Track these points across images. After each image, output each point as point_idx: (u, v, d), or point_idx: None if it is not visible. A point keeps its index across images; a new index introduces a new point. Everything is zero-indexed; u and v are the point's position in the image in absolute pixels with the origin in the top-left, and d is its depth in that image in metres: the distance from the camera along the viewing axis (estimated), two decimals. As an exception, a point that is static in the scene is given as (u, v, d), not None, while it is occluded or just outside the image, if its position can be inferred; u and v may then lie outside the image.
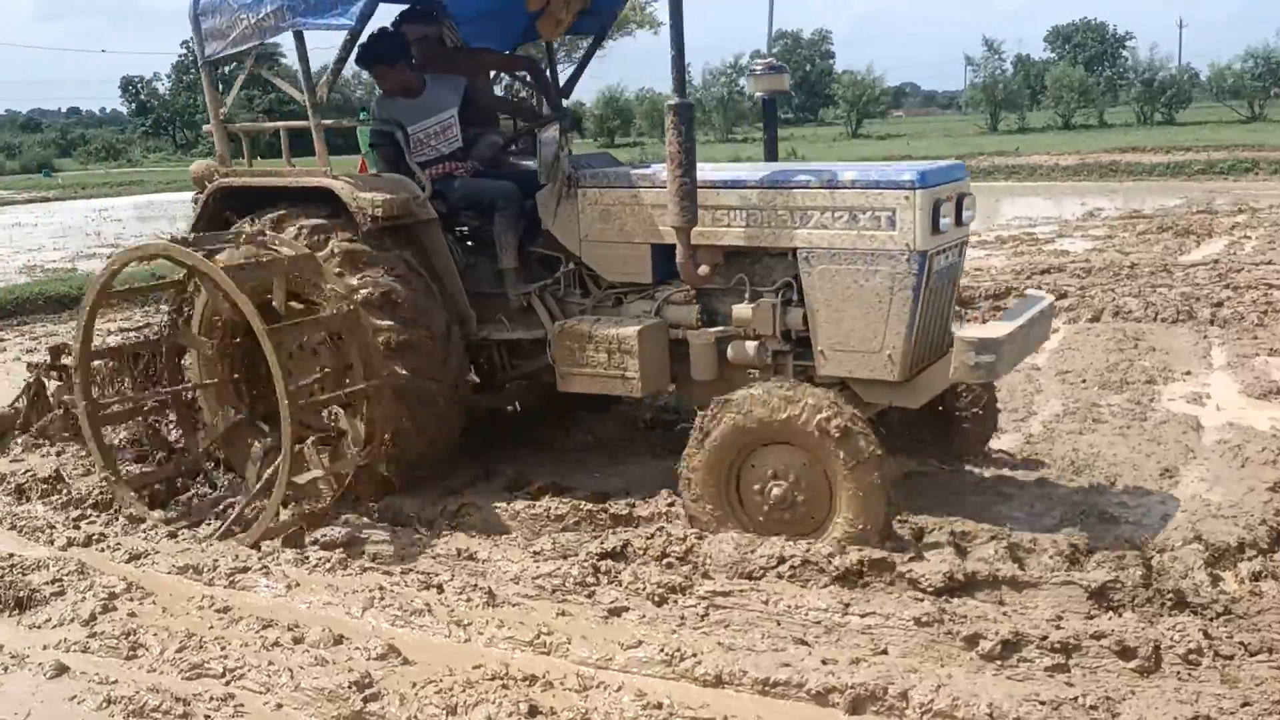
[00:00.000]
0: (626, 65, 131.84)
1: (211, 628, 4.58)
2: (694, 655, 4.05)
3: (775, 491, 4.89)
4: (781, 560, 4.64)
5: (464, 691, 3.89)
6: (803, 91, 76.21)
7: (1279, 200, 20.87)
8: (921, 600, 4.33)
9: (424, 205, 5.86)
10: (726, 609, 4.43)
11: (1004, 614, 4.21)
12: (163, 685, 4.11)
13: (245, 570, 5.08)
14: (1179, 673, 3.79)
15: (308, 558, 5.18)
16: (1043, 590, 4.36)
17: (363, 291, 5.51)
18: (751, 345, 5.33)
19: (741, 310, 5.34)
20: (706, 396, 5.16)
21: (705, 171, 5.27)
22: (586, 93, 72.91)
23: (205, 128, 6.41)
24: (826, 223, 5.06)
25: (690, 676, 3.99)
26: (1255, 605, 4.23)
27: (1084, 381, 8.21)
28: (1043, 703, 3.56)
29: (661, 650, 4.10)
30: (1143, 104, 57.77)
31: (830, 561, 4.58)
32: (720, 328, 5.47)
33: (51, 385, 7.15)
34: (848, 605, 4.32)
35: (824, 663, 3.94)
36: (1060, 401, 7.75)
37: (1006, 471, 6.08)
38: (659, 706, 3.77)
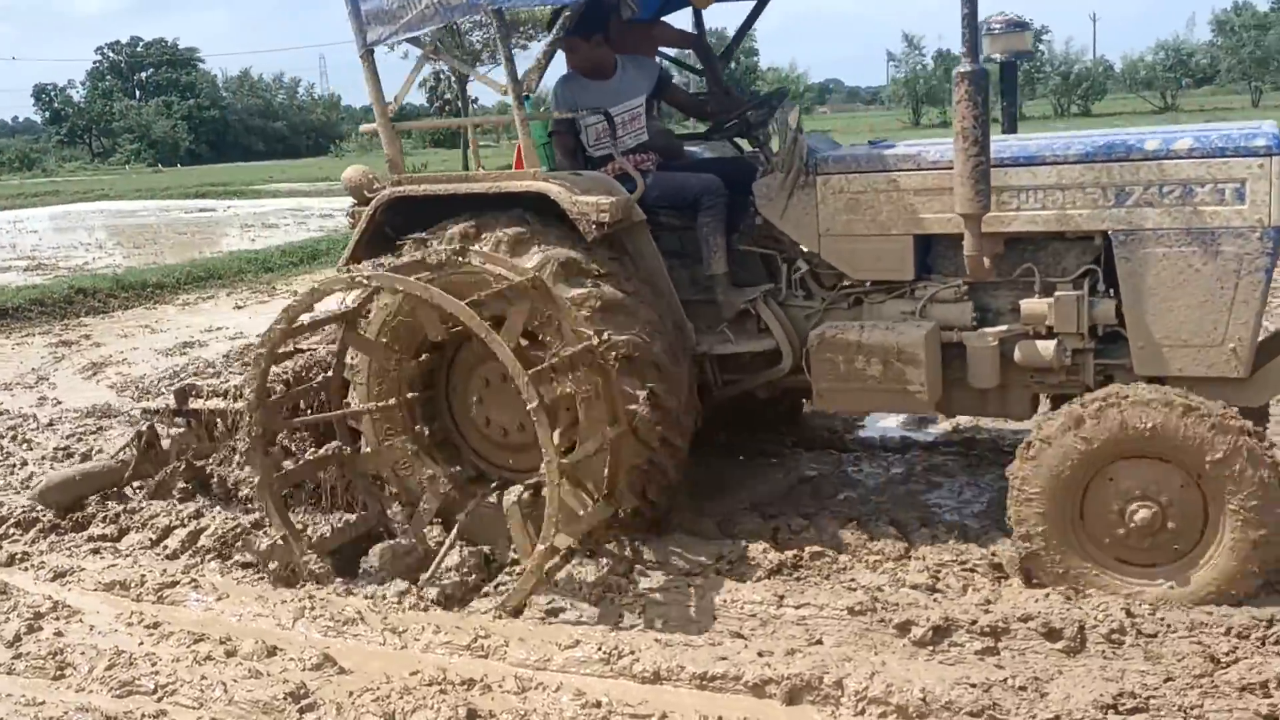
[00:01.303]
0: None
1: (141, 644, 4.50)
2: (632, 653, 4.06)
3: (1141, 515, 4.15)
4: (719, 557, 4.70)
5: (402, 698, 3.87)
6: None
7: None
8: (855, 590, 4.40)
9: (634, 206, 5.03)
10: (664, 605, 4.45)
11: (935, 600, 4.28)
12: (92, 704, 4.03)
13: (174, 584, 5.00)
14: (1104, 651, 3.88)
15: (232, 569, 5.11)
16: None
17: (592, 302, 4.69)
18: (1047, 345, 4.60)
19: (1034, 305, 4.65)
20: (976, 406, 4.84)
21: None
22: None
23: (366, 126, 5.55)
24: (1151, 199, 4.39)
25: (629, 674, 4.00)
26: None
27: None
28: (973, 685, 3.62)
29: (599, 649, 4.11)
30: (1060, 96, 59.22)
31: (765, 555, 4.64)
32: (1002, 327, 4.79)
33: (165, 433, 6.18)
34: (782, 597, 4.37)
35: (760, 655, 3.98)
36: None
37: None
38: (598, 705, 3.78)
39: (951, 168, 4.38)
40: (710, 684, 3.88)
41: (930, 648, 4.02)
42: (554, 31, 4.95)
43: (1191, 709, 3.41)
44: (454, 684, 3.96)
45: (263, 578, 4.97)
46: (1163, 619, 3.98)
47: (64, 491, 5.93)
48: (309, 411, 5.54)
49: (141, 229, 25.71)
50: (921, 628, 4.06)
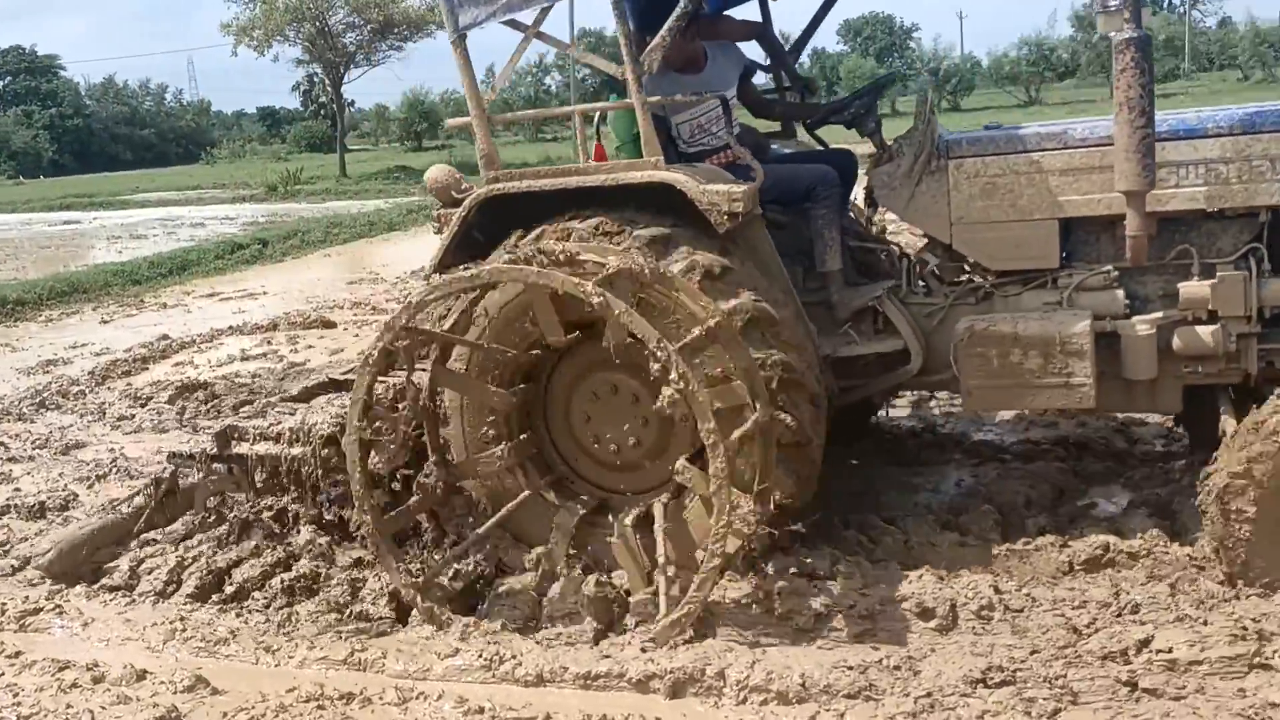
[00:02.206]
0: (430, 66, 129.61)
1: (2, 674, 4.30)
2: (514, 657, 4.03)
3: None
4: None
5: (278, 716, 3.78)
6: (610, 88, 76.74)
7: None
8: (738, 581, 4.44)
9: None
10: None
11: (815, 588, 4.35)
12: (-54, 743, 3.84)
13: (36, 612, 4.79)
14: (974, 628, 4.00)
15: (99, 593, 4.93)
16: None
17: (741, 315, 4.26)
18: (1209, 330, 4.34)
19: (1194, 289, 4.38)
20: (1123, 401, 4.57)
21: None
22: (391, 96, 71.69)
23: (453, 121, 5.29)
24: None
25: (511, 678, 3.97)
26: (1044, 558, 4.49)
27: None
28: (850, 667, 3.70)
29: (480, 656, 4.07)
30: (931, 92, 60.68)
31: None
32: (1157, 314, 4.50)
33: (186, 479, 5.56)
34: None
35: (643, 650, 3.99)
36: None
37: None
38: (480, 711, 3.75)
39: (1100, 145, 4.32)
40: (594, 683, 3.87)
41: (811, 634, 4.09)
42: (674, 15, 4.51)
43: (1056, 679, 3.53)
44: (332, 699, 3.88)
45: (133, 601, 4.80)
46: (1029, 594, 4.12)
47: (74, 556, 5.21)
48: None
49: (2, 244, 24.60)
50: (804, 616, 4.12)
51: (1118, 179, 4.10)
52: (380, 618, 4.50)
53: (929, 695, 3.54)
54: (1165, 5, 67.15)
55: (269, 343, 10.76)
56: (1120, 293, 4.55)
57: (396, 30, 40.14)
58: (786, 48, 6.02)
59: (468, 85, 4.76)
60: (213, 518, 5.37)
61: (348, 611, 4.57)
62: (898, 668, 3.69)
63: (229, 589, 4.80)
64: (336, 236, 20.51)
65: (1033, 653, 3.73)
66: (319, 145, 56.66)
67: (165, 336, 11.39)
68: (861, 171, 5.28)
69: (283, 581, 4.76)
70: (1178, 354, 4.43)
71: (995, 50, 67.50)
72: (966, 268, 4.87)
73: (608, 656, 3.97)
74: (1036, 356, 4.42)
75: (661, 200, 4.49)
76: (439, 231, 4.95)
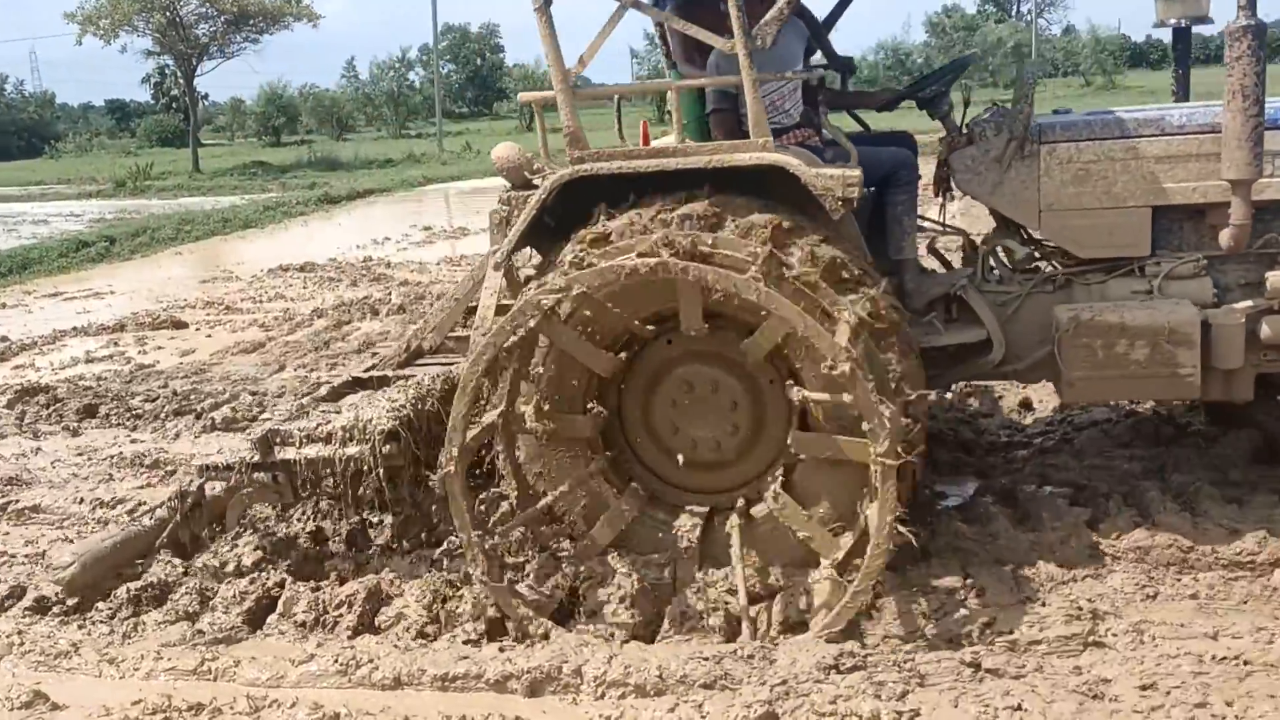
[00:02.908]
0: (287, 59, 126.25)
1: None
2: (370, 661, 3.97)
3: None
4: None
5: (121, 730, 3.63)
6: (475, 85, 76.04)
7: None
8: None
9: None
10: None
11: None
12: None
13: None
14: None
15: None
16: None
17: (860, 306, 4.03)
18: None
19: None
20: (1205, 390, 4.43)
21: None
22: (247, 90, 69.58)
23: (527, 95, 4.85)
24: None
25: (368, 683, 3.90)
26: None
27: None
28: (706, 659, 3.75)
29: (336, 661, 3.99)
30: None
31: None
32: (1247, 303, 4.46)
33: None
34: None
35: (501, 650, 3.97)
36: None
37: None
38: (336, 716, 3.68)
39: (1198, 133, 4.34)
40: (452, 684, 3.84)
41: (673, 628, 4.13)
42: None
43: (904, 663, 3.65)
44: (180, 710, 3.76)
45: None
46: (880, 581, 4.23)
47: (97, 571, 4.80)
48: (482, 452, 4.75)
49: None
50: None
51: (1226, 167, 4.17)
52: (233, 626, 4.37)
53: (784, 683, 3.61)
54: (1014, 13, 69.85)
55: (115, 344, 10.33)
56: (1209, 282, 4.55)
57: (252, 22, 38.96)
58: None
59: (553, 57, 4.42)
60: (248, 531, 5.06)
61: (198, 620, 4.43)
62: (752, 657, 3.75)
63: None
64: (189, 234, 19.78)
65: (884, 638, 3.84)
66: (171, 140, 54.58)
67: (4, 338, 10.83)
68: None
69: (129, 591, 4.58)
70: (1264, 342, 4.44)
71: (854, 54, 69.16)
72: (1037, 255, 4.86)
73: (465, 658, 3.94)
74: (1144, 346, 4.38)
75: (752, 183, 4.29)
76: (506, 215, 4.66)
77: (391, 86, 63.50)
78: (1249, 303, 4.45)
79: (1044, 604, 4.03)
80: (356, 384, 5.48)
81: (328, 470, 4.72)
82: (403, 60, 66.46)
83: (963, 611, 4.02)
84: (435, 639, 4.20)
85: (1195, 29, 5.70)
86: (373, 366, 5.86)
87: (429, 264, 14.60)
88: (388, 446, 4.62)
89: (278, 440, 4.83)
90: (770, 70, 4.58)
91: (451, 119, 60.67)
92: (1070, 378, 4.49)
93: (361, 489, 4.68)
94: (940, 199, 5.11)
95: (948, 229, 5.10)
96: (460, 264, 14.60)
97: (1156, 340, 4.36)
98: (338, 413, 4.96)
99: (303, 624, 4.36)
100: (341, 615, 4.37)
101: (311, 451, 4.77)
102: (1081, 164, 4.58)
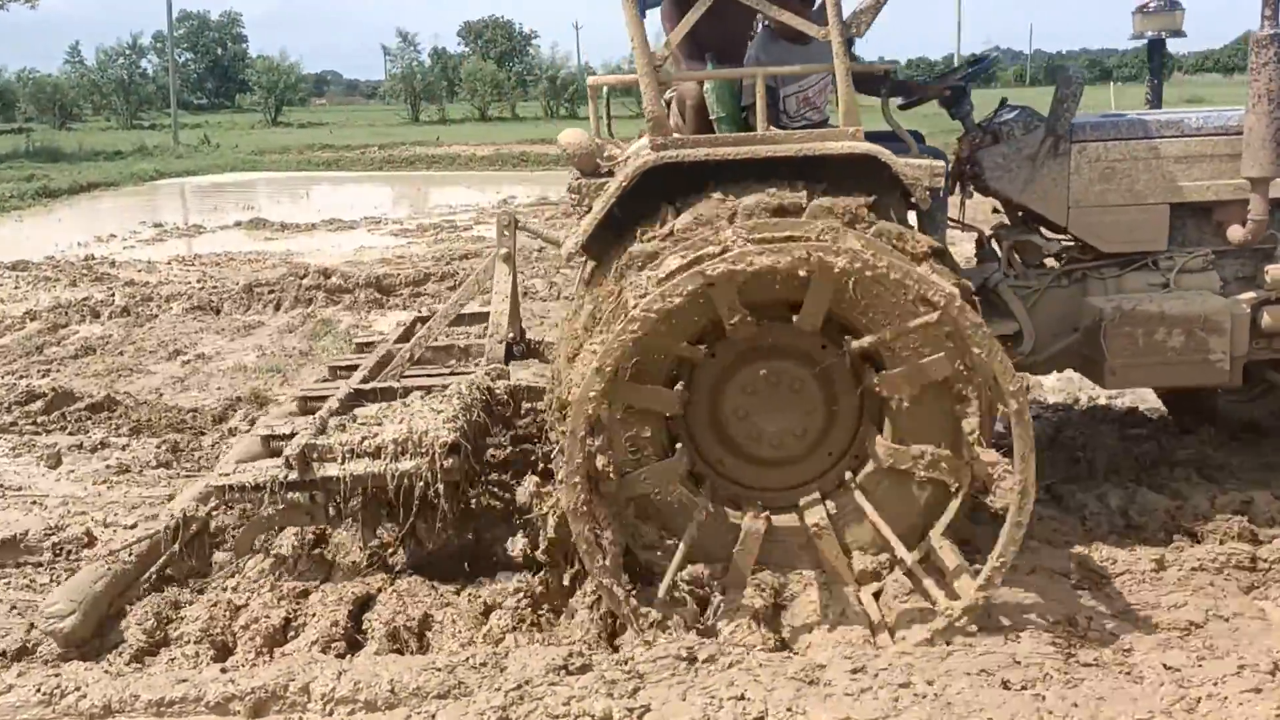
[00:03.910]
0: (2, 42, 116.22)
1: None
2: (77, 689, 3.70)
3: None
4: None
5: None
6: (215, 76, 72.41)
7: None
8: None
9: None
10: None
11: (397, 595, 4.33)
12: None
13: None
14: (553, 622, 4.22)
15: None
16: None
17: (964, 297, 3.97)
18: None
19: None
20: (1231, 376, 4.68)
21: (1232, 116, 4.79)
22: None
23: (598, 79, 4.76)
24: None
25: (75, 712, 3.64)
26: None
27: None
28: (439, 669, 3.71)
29: (39, 690, 3.70)
30: (549, 99, 62.20)
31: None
32: (1250, 294, 4.82)
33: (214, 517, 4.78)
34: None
35: (224, 671, 3.80)
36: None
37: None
38: (35, 753, 3.41)
39: (1215, 134, 4.69)
40: (169, 709, 3.64)
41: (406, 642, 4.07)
42: None
43: (625, 662, 3.73)
44: None
45: None
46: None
47: (95, 614, 4.26)
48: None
49: None
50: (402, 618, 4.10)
51: (1247, 165, 4.48)
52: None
53: (518, 688, 3.62)
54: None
55: None
56: (1215, 274, 4.88)
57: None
58: None
59: (638, 42, 4.34)
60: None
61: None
62: (484, 664, 3.74)
63: None
64: (-118, 227, 17.91)
65: (608, 637, 3.93)
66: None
67: None
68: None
69: None
70: (1264, 331, 4.81)
71: (611, 61, 70.20)
72: (1051, 251, 5.05)
73: (184, 681, 3.73)
74: (1180, 334, 4.65)
75: (821, 171, 4.28)
76: (578, 203, 4.47)
77: (121, 74, 59.57)
78: (1251, 294, 4.82)
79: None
80: (359, 396, 5.09)
81: (377, 487, 4.45)
82: (134, 47, 62.53)
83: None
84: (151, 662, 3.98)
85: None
86: (368, 378, 5.42)
87: (158, 263, 13.81)
88: (449, 460, 4.39)
89: (315, 456, 4.49)
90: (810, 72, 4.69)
91: (189, 110, 57.60)
92: (1113, 365, 4.74)
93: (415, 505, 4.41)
94: (960, 197, 5.21)
95: (965, 226, 5.25)
96: (194, 264, 13.89)
97: (1191, 329, 4.66)
98: (377, 424, 4.63)
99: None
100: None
101: (359, 467, 4.44)
102: (1108, 163, 4.86)
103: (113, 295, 11.26)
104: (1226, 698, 3.48)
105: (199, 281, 12.42)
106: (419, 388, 5.09)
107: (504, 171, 29.69)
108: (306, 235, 17.37)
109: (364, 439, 4.52)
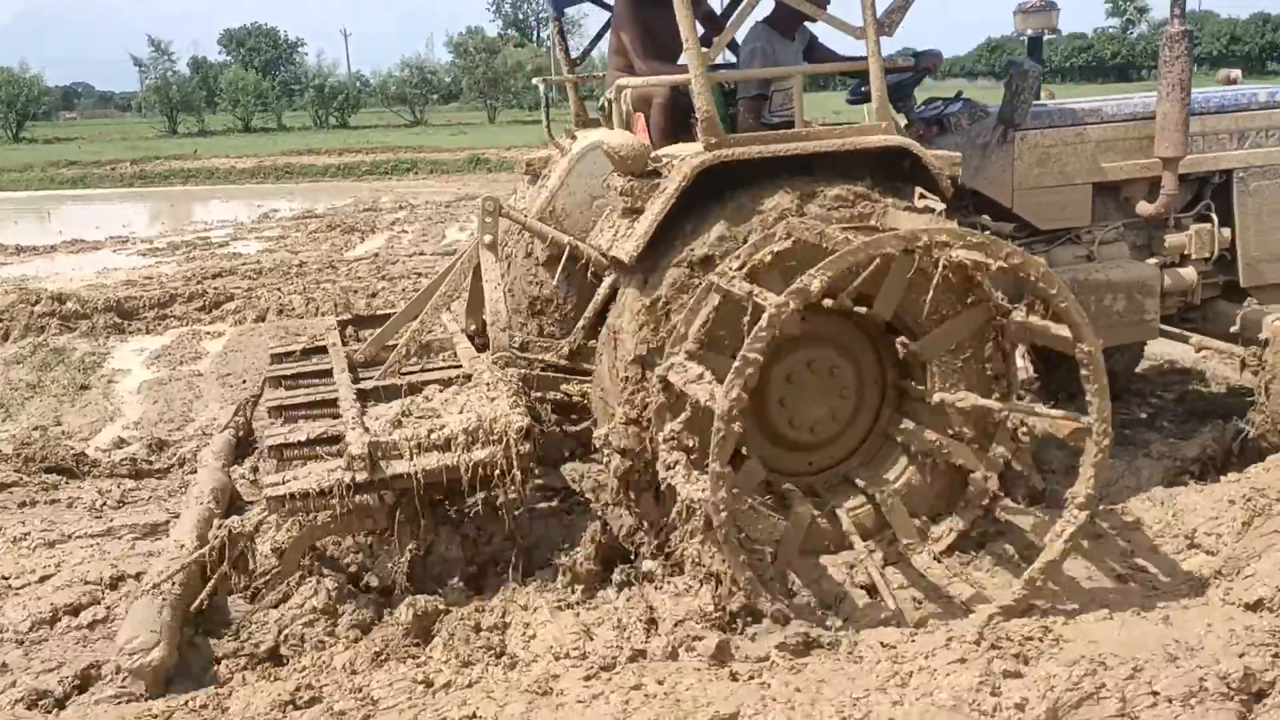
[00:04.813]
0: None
1: None
2: None
3: None
4: None
5: None
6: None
7: (434, 196, 23.26)
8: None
9: None
10: None
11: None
12: None
13: None
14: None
15: None
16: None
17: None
18: (1189, 271, 5.46)
19: (1176, 238, 5.45)
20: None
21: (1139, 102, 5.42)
22: None
23: (651, 81, 4.93)
24: (1260, 142, 5.46)
25: None
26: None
27: (244, 383, 8.32)
28: (155, 715, 3.52)
29: None
30: (317, 108, 60.33)
31: None
32: (1153, 260, 5.42)
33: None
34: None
35: None
36: (220, 405, 7.77)
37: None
38: None
39: (1128, 120, 5.30)
40: None
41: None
42: None
43: (359, 689, 3.63)
44: None
45: None
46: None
47: (174, 643, 3.96)
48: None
49: None
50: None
51: (1160, 146, 5.10)
52: None
53: (241, 728, 3.47)
54: (534, 38, 72.85)
55: None
56: (1125, 245, 5.47)
57: None
58: None
59: (691, 41, 4.35)
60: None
61: None
62: (205, 706, 3.57)
63: None
64: None
65: (340, 667, 3.81)
66: None
67: None
68: None
69: None
70: (1166, 291, 5.44)
71: (380, 70, 68.82)
72: (990, 229, 5.18)
73: None
74: (1123, 299, 5.23)
75: (845, 164, 4.47)
76: (631, 206, 4.45)
77: None
78: (1154, 260, 5.46)
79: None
80: (362, 396, 4.74)
81: (452, 480, 4.26)
82: None
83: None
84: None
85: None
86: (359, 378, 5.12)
87: None
88: (524, 446, 4.26)
89: (380, 454, 4.18)
90: (797, 63, 5.09)
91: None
92: None
93: (492, 496, 4.32)
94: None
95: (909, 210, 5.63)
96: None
97: (1131, 293, 5.26)
98: (436, 415, 4.37)
99: None
100: None
101: (429, 461, 4.20)
102: (1044, 148, 5.37)
103: None
104: (935, 670, 3.68)
105: (-86, 314, 11.38)
106: (432, 382, 4.83)
107: (266, 184, 28.70)
108: (44, 259, 16.24)
109: (430, 432, 4.31)
